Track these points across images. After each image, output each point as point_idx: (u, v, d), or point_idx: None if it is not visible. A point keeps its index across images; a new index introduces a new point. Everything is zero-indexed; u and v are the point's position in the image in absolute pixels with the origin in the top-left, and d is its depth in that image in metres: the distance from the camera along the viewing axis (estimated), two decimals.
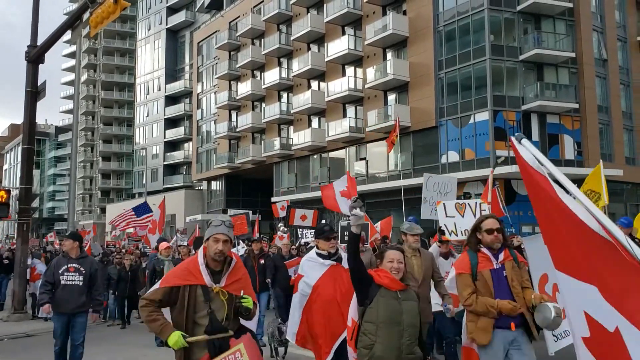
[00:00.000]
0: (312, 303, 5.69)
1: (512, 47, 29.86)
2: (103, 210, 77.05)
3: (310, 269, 5.78)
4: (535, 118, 29.50)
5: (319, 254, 5.79)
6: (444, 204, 8.07)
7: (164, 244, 11.23)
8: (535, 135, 29.53)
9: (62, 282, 7.07)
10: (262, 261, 10.97)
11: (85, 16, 13.40)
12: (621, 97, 32.76)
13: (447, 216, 7.89)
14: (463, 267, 4.67)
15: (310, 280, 5.72)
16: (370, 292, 4.11)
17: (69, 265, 7.16)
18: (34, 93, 14.52)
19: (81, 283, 7.14)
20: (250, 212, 16.65)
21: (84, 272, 7.17)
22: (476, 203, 7.76)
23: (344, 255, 5.66)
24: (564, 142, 29.68)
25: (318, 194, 37.74)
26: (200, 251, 3.99)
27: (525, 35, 30.16)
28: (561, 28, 30.57)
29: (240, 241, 20.85)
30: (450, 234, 7.64)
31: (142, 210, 18.36)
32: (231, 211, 19.37)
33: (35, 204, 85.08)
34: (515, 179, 28.93)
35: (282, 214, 23.10)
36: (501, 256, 4.64)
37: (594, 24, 31.36)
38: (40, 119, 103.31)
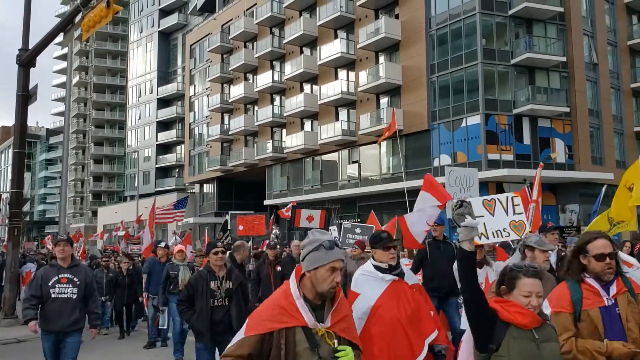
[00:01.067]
0: (371, 327, 4.59)
1: (503, 51, 30.02)
2: (94, 213, 76.73)
3: (368, 286, 4.75)
4: (527, 122, 29.65)
5: (377, 267, 4.78)
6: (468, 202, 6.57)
7: (177, 247, 10.17)
8: (527, 139, 29.68)
9: (53, 295, 6.03)
10: (279, 268, 9.96)
11: (77, 19, 13.36)
12: (612, 100, 32.99)
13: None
14: (562, 304, 3.55)
15: (368, 299, 4.67)
16: (496, 332, 3.06)
17: (60, 276, 6.10)
18: (25, 97, 14.45)
19: (75, 296, 6.11)
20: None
21: (78, 282, 6.14)
22: (507, 198, 6.48)
23: (407, 270, 5.07)
24: (555, 146, 29.84)
25: (310, 197, 37.91)
26: (293, 281, 2.99)
27: (517, 39, 30.32)
28: (552, 32, 30.76)
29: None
30: (480, 238, 6.41)
31: (181, 205, 19.12)
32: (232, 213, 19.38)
33: (26, 207, 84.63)
34: (507, 182, 29.05)
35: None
36: (613, 288, 3.54)
37: (584, 29, 31.57)
38: (31, 121, 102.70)
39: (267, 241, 17.04)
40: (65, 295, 6.09)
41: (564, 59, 29.82)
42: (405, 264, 12.11)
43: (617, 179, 31.05)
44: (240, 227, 13.69)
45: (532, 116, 29.52)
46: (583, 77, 30.83)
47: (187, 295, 6.16)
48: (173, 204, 19.44)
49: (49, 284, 6.07)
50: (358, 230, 11.77)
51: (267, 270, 9.96)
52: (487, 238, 6.10)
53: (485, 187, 29.19)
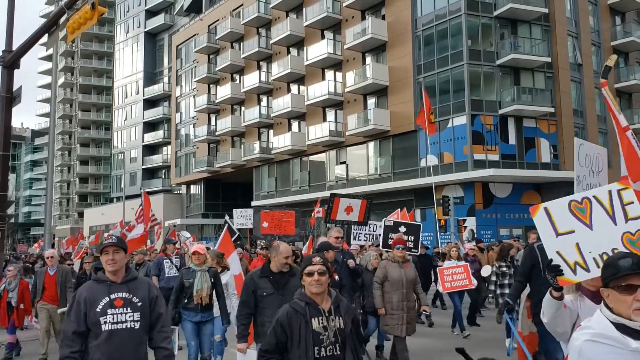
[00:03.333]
0: None
1: (489, 52, 30.23)
2: (81, 214, 76.13)
3: None
4: (512, 122, 29.88)
5: (619, 327, 2.37)
6: (545, 207, 3.78)
7: (198, 247, 7.75)
8: (512, 139, 29.91)
9: (105, 326, 3.87)
10: (337, 277, 7.48)
11: (62, 20, 13.27)
12: (596, 100, 33.33)
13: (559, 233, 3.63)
14: None
15: None
16: None
17: (113, 296, 3.95)
18: (9, 99, 14.31)
19: (138, 324, 3.97)
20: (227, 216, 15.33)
21: (139, 304, 4.00)
22: (610, 193, 3.69)
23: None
24: (540, 146, 30.10)
25: (298, 198, 37.94)
26: None
27: (502, 40, 30.55)
28: (537, 33, 31.03)
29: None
30: (574, 273, 3.42)
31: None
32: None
33: (10, 210, 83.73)
34: (493, 182, 29.28)
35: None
36: None
37: (569, 29, 31.88)
38: (16, 122, 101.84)
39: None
40: (125, 325, 3.93)
41: (548, 59, 30.09)
42: (450, 266, 10.96)
43: None
44: (265, 224, 11.75)
45: (517, 116, 29.75)
46: (567, 78, 31.13)
47: (276, 343, 3.62)
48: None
49: (98, 310, 3.87)
50: (402, 229, 10.41)
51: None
52: (588, 271, 3.31)
53: (471, 187, 29.42)
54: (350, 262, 7.87)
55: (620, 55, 35.70)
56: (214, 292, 7.20)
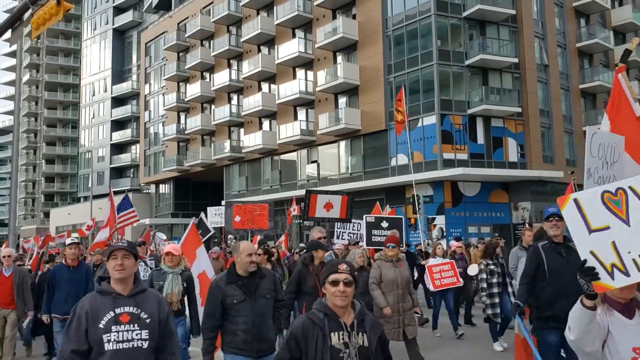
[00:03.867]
0: None
1: (458, 52, 30.58)
2: (47, 214, 74.61)
3: None
4: (481, 122, 30.29)
5: None
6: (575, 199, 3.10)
7: (172, 247, 7.06)
8: (481, 139, 30.33)
9: (109, 345, 3.35)
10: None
11: (27, 16, 12.98)
12: (562, 101, 34.01)
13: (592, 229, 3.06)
14: None
15: None
16: None
17: (118, 311, 3.40)
18: None
19: (146, 344, 3.44)
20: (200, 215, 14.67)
21: (148, 320, 3.45)
22: None
23: None
24: (507, 145, 30.59)
25: (270, 197, 37.78)
26: None
27: (471, 40, 30.95)
28: (505, 34, 31.51)
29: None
30: (612, 277, 2.92)
31: (125, 205, 14.78)
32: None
33: None
34: (462, 181, 29.64)
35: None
36: None
37: (535, 31, 32.45)
38: None
39: (257, 236, 13.36)
40: (131, 344, 3.40)
41: (516, 60, 30.59)
42: (431, 265, 10.75)
43: (566, 177, 32.10)
44: (237, 218, 11.07)
45: (485, 116, 30.17)
46: (534, 78, 31.69)
47: (289, 359, 3.17)
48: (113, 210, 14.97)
49: (101, 326, 3.34)
50: (385, 224, 10.00)
51: (313, 280, 6.77)
52: (627, 275, 2.87)
53: (440, 186, 29.74)
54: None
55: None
56: (186, 298, 6.75)
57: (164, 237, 21.40)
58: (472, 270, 10.55)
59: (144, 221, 47.41)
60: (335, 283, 3.10)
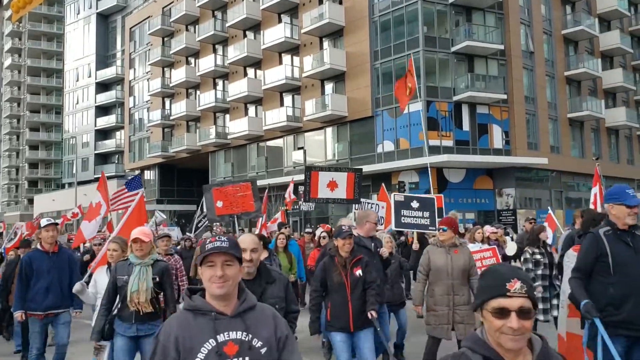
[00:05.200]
0: None
1: (444, 38, 30.53)
2: (30, 201, 73.92)
3: None
4: (466, 108, 30.35)
5: None
6: None
7: (142, 232, 5.48)
8: (466, 125, 30.40)
9: None
10: (359, 271, 5.59)
11: (6, 0, 12.71)
12: (546, 88, 34.15)
13: None
14: None
15: None
16: None
17: (223, 338, 2.38)
18: None
19: None
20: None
21: (264, 351, 2.43)
22: None
23: None
24: (492, 132, 30.70)
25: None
26: None
27: (457, 27, 30.90)
28: (491, 21, 31.50)
29: (176, 228, 17.79)
30: None
31: (134, 184, 14.12)
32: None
33: None
34: (447, 168, 29.74)
35: (307, 204, 19.02)
36: None
37: (521, 18, 32.47)
38: None
39: (259, 219, 12.41)
40: None
41: (501, 47, 30.61)
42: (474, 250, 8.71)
43: (551, 164, 32.44)
44: (219, 204, 9.47)
45: (471, 103, 30.22)
46: (520, 65, 31.77)
47: None
48: (121, 189, 13.70)
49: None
50: (415, 204, 8.74)
51: (339, 275, 5.59)
52: None
53: (426, 172, 29.81)
54: (383, 252, 6.68)
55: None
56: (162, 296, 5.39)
57: (164, 216, 19.63)
58: (511, 249, 9.64)
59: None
60: (503, 313, 1.87)
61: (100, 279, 5.80)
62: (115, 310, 5.16)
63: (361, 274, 5.58)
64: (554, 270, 7.75)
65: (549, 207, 15.62)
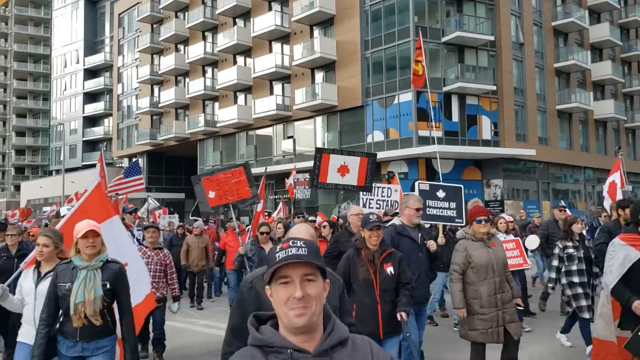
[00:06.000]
0: None
1: (435, 29, 30.47)
2: (17, 187, 73.28)
3: None
4: (456, 99, 30.36)
5: None
6: None
7: (88, 225, 4.25)
8: (455, 116, 30.43)
9: None
10: (391, 268, 4.95)
11: None
12: (536, 79, 34.24)
13: None
14: None
15: None
16: None
17: None
18: None
19: None
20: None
21: None
22: None
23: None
24: (481, 123, 30.77)
25: None
26: None
27: (448, 17, 30.84)
28: (482, 12, 31.46)
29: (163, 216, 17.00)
30: None
31: (134, 171, 13.78)
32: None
33: None
34: (436, 159, 29.75)
35: (302, 192, 18.81)
36: None
37: (512, 9, 32.47)
38: None
39: (256, 208, 11.44)
40: None
41: (492, 38, 30.60)
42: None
43: (539, 155, 32.56)
44: (212, 194, 8.61)
45: (460, 94, 30.23)
46: (510, 56, 31.81)
47: None
48: (122, 175, 14.39)
49: None
50: (441, 194, 7.76)
51: (366, 271, 4.90)
52: None
53: (415, 163, 29.87)
54: (431, 245, 5.82)
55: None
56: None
57: (157, 203, 18.69)
58: (532, 243, 9.12)
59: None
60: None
61: (25, 283, 4.67)
62: (57, 325, 4.15)
63: (393, 272, 4.81)
64: (593, 267, 7.10)
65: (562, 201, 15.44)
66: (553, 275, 7.20)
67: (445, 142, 29.37)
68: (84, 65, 63.43)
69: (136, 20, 49.39)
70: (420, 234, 5.78)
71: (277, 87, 37.07)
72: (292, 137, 36.32)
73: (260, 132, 38.50)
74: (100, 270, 4.16)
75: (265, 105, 36.11)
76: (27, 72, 78.73)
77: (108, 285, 4.16)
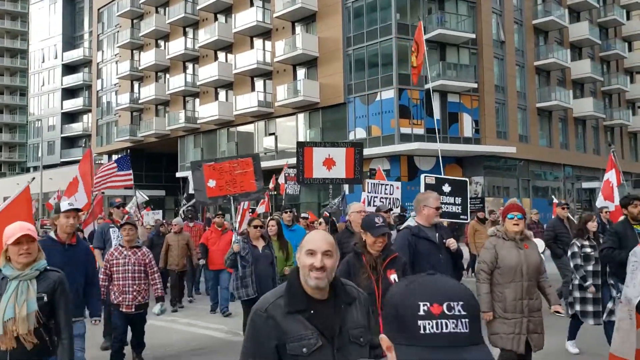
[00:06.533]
0: None
1: (416, 26, 30.43)
2: None
3: None
4: (437, 97, 30.42)
5: None
6: None
7: (21, 227, 3.58)
8: (437, 114, 30.44)
9: None
10: (394, 275, 4.28)
11: None
12: (516, 77, 34.49)
13: None
14: None
15: None
16: None
17: None
18: None
19: None
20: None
21: None
22: None
23: None
24: (463, 120, 30.90)
25: None
26: None
27: (430, 15, 30.89)
28: (463, 9, 31.58)
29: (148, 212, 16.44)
30: None
31: (124, 165, 13.17)
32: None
33: None
34: (418, 156, 29.86)
35: (292, 188, 18.13)
36: None
37: (493, 7, 32.64)
38: None
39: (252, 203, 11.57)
40: None
41: (473, 36, 30.73)
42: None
43: (519, 153, 32.79)
44: (212, 183, 7.76)
45: (442, 91, 30.32)
46: (491, 54, 31.98)
47: None
48: (111, 166, 13.40)
49: None
50: (447, 188, 7.26)
51: (367, 278, 4.27)
52: None
53: (397, 160, 29.91)
54: (452, 243, 5.21)
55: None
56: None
57: (145, 197, 17.98)
58: (540, 247, 8.69)
59: (96, 193, 46.25)
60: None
61: None
62: None
63: (396, 280, 4.22)
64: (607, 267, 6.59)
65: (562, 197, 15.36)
66: (577, 276, 6.80)
67: (427, 139, 29.44)
68: (62, 61, 62.61)
69: (116, 15, 48.78)
70: (437, 234, 5.21)
71: (259, 84, 36.86)
72: (273, 134, 36.15)
73: (241, 128, 38.26)
74: (35, 281, 3.55)
75: (246, 101, 35.87)
76: (4, 67, 77.44)
77: (45, 298, 3.54)
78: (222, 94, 39.49)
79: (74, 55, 61.76)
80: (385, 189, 9.58)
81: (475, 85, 30.63)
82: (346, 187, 13.35)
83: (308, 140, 33.53)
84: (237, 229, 9.05)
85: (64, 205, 5.11)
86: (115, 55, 50.21)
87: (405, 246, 4.91)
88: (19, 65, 76.78)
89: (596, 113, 38.86)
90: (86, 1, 62.55)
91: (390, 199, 9.49)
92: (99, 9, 53.78)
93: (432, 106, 26.42)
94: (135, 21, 47.02)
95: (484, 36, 31.35)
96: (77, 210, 5.12)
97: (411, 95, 30.02)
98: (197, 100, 41.16)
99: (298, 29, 34.67)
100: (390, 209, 8.60)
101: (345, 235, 6.38)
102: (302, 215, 13.78)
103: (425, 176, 7.34)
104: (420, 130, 29.81)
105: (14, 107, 77.78)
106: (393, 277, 4.26)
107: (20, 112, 76.55)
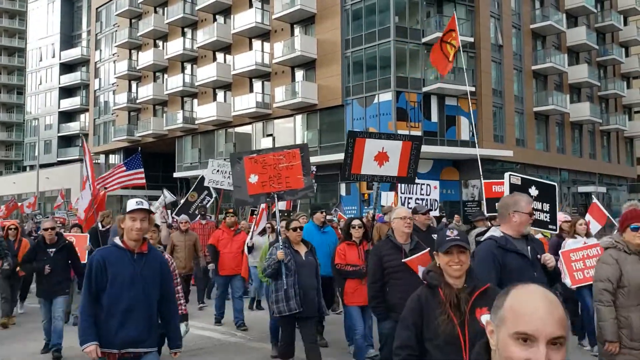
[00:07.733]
0: None
1: (415, 29, 30.57)
2: None
3: None
4: (435, 100, 30.51)
5: None
6: None
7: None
8: (435, 117, 30.59)
9: None
10: (485, 316, 2.15)
11: None
12: (514, 81, 34.58)
13: None
14: None
15: None
16: None
17: None
18: None
19: None
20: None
21: None
22: None
23: None
24: (460, 124, 30.97)
25: None
26: None
27: (428, 18, 30.97)
28: (461, 13, 31.63)
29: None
30: None
31: (134, 164, 13.24)
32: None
33: None
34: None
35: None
36: None
37: (491, 11, 32.73)
38: None
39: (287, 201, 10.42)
40: None
41: (471, 39, 30.80)
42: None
43: (516, 156, 32.86)
44: (253, 178, 6.69)
45: (440, 94, 30.38)
46: (489, 58, 32.07)
47: None
48: (122, 166, 13.64)
49: None
50: (534, 192, 6.08)
51: (448, 320, 2.97)
52: None
53: None
54: (549, 260, 4.09)
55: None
56: None
57: (173, 197, 16.46)
58: None
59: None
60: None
61: None
62: None
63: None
64: None
65: (593, 197, 14.73)
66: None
67: (425, 142, 29.43)
68: (60, 60, 62.51)
69: (114, 14, 48.78)
70: (529, 246, 4.03)
71: (257, 85, 36.89)
72: (271, 135, 36.16)
73: (239, 129, 38.27)
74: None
75: (244, 102, 35.89)
76: (2, 65, 77.33)
77: None
78: (220, 94, 39.50)
79: (72, 54, 61.68)
80: (421, 189, 8.86)
81: (473, 89, 30.68)
82: (343, 187, 13.14)
83: (305, 142, 33.62)
84: (253, 231, 8.50)
85: (131, 204, 4.03)
86: (113, 54, 50.19)
87: (490, 261, 3.84)
88: (17, 63, 76.64)
89: (593, 118, 39.00)
90: (84, 0, 62.49)
91: (427, 199, 8.78)
92: (97, 8, 53.75)
93: (430, 109, 26.48)
94: (133, 21, 47.01)
95: (482, 40, 31.44)
96: (148, 211, 4.02)
97: (409, 98, 30.07)
98: (195, 100, 41.16)
99: (297, 30, 34.71)
100: (430, 210, 7.52)
101: (387, 246, 5.45)
102: (328, 217, 11.80)
103: (510, 175, 6.10)
104: (417, 133, 29.85)
105: (11, 106, 77.63)
106: (485, 318, 2.64)
107: (17, 110, 76.40)
